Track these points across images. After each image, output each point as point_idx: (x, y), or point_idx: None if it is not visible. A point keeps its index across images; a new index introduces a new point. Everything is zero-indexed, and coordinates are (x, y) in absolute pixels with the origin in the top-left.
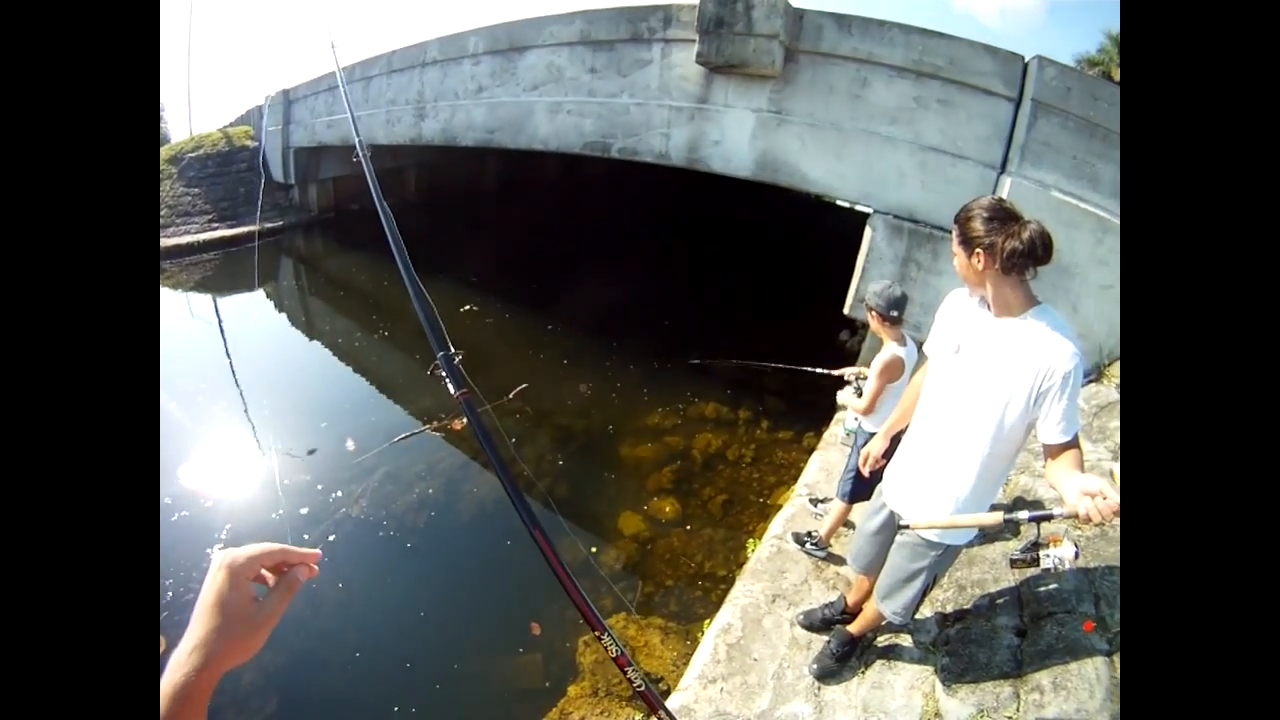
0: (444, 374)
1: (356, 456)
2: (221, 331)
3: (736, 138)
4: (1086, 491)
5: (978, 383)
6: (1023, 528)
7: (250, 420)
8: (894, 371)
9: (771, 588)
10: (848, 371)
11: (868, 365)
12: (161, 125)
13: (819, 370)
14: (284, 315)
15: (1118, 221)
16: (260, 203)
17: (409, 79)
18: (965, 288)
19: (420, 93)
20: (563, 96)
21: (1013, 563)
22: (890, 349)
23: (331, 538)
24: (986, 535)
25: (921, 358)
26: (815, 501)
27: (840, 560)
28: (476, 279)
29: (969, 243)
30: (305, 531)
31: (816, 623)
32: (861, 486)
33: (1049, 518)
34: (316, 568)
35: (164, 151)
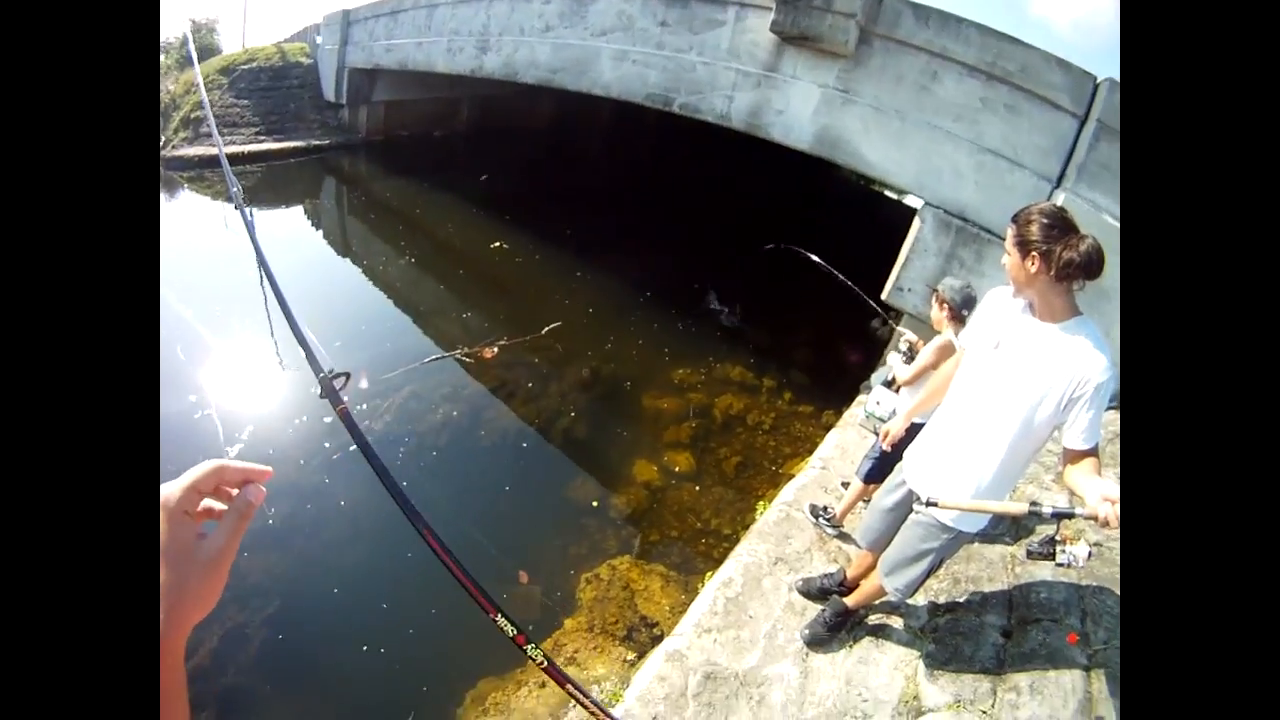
0: (323, 393)
1: (384, 373)
2: (255, 242)
3: (800, 110)
4: (1107, 497)
5: (1014, 380)
6: (1026, 531)
7: (274, 333)
8: (945, 355)
9: (775, 550)
10: (904, 333)
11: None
12: (214, 37)
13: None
14: (320, 233)
15: None
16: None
17: (474, 10)
18: (1006, 287)
19: (485, 25)
20: (630, 46)
21: (1029, 554)
22: (948, 334)
23: (352, 448)
24: (987, 534)
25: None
26: (817, 514)
27: (847, 538)
28: (510, 217)
29: (1025, 245)
30: (326, 440)
31: (814, 591)
32: (882, 469)
33: (1070, 515)
34: (264, 488)
35: (216, 62)
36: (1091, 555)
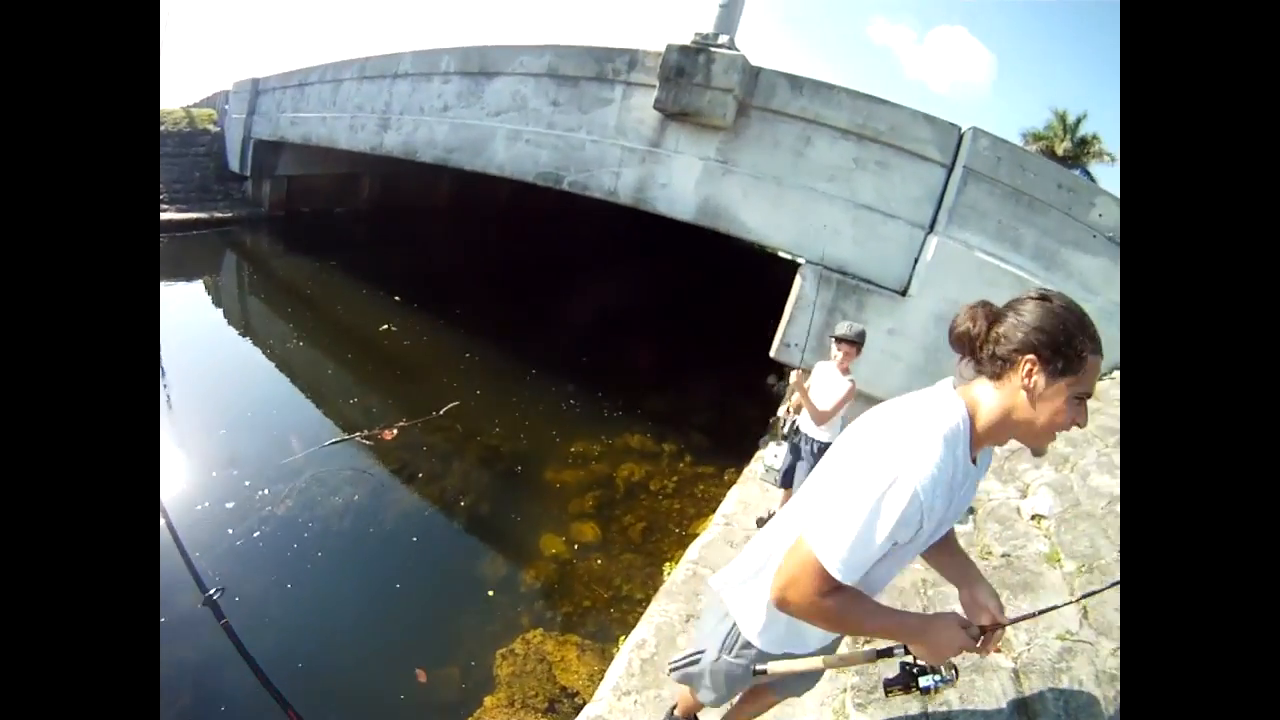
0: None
1: (284, 458)
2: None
3: (683, 183)
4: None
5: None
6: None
7: (172, 414)
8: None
9: (686, 608)
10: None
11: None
12: None
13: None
14: (220, 311)
15: (1036, 281)
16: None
17: (379, 88)
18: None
19: (388, 103)
20: (523, 125)
21: (886, 688)
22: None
23: (256, 534)
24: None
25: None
26: None
27: None
28: (400, 298)
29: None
30: (229, 526)
31: None
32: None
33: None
34: None
35: None
36: (958, 674)
